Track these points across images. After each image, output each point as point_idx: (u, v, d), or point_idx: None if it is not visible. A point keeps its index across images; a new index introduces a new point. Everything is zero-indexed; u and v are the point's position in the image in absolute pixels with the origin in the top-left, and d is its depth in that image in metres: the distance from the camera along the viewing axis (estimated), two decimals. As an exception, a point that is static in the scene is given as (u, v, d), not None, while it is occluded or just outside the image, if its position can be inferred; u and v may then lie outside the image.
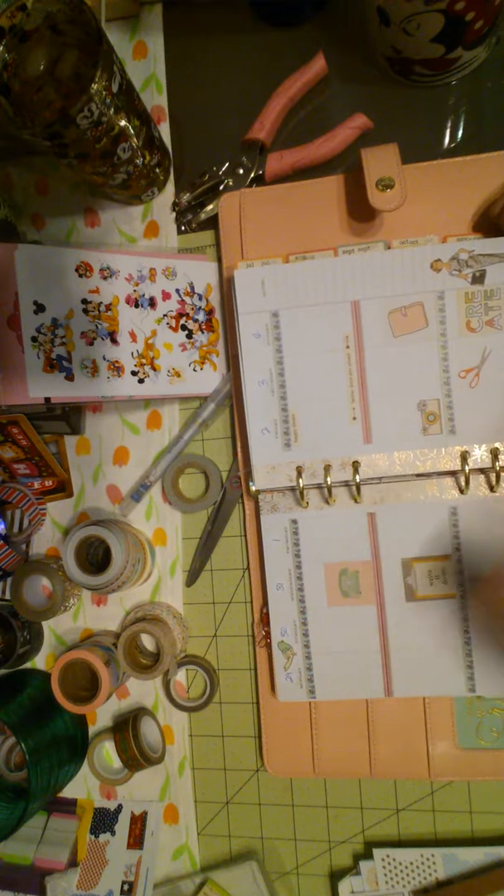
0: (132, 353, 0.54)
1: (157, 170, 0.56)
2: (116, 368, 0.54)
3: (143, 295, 0.55)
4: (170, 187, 0.59)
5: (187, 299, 0.57)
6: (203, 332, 0.57)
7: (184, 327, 0.56)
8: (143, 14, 0.60)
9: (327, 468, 0.50)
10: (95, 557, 0.57)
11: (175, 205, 0.58)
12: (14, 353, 0.51)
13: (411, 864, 0.51)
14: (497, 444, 0.48)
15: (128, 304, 0.55)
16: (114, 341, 0.54)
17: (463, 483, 0.49)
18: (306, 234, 0.54)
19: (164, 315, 0.56)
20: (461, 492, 0.49)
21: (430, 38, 0.48)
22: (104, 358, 0.53)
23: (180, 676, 0.58)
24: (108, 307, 0.54)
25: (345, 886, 0.52)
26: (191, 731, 0.58)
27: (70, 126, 0.44)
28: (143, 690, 0.59)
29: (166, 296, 0.56)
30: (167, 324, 0.56)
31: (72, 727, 0.58)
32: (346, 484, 0.51)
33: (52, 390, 0.52)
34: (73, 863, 0.58)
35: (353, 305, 0.50)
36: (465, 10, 0.45)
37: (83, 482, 0.60)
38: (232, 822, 0.57)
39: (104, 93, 0.44)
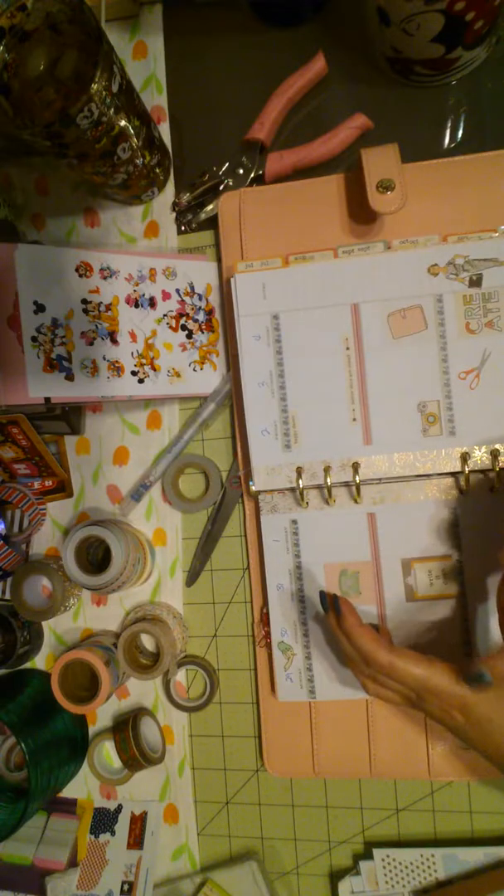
0: (132, 353, 0.54)
1: (157, 170, 0.56)
2: (116, 368, 0.54)
3: (143, 295, 0.55)
4: (170, 187, 0.59)
5: (187, 299, 0.56)
6: (203, 332, 0.57)
7: (184, 327, 0.56)
8: (143, 14, 0.60)
9: (327, 469, 0.50)
10: (95, 557, 0.57)
11: (175, 205, 0.58)
12: (14, 353, 0.51)
13: (411, 864, 0.51)
14: (497, 446, 0.48)
15: (128, 304, 0.55)
16: (114, 341, 0.54)
17: (463, 484, 0.49)
18: (306, 234, 0.54)
19: (164, 315, 0.56)
20: (461, 492, 0.49)
21: (430, 38, 0.47)
22: (104, 358, 0.53)
23: (180, 676, 0.58)
24: (108, 307, 0.54)
25: (345, 886, 0.52)
26: (191, 731, 0.58)
27: (70, 126, 0.44)
28: (143, 690, 0.59)
29: (166, 296, 0.56)
30: (167, 324, 0.56)
31: (72, 727, 0.58)
32: (346, 484, 0.51)
33: (52, 390, 0.52)
34: (73, 863, 0.58)
35: (353, 308, 0.50)
36: (465, 10, 0.45)
37: (83, 482, 0.60)
38: (232, 822, 0.57)
39: (104, 93, 0.44)
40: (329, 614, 0.46)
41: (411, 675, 0.41)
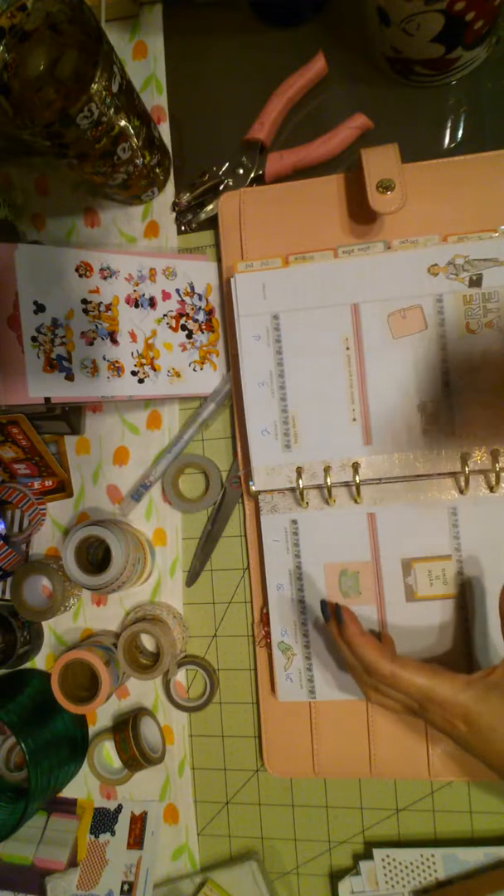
0: (132, 353, 0.54)
1: (157, 170, 0.56)
2: (116, 368, 0.54)
3: (143, 295, 0.55)
4: (170, 187, 0.59)
5: (187, 299, 0.56)
6: (203, 332, 0.57)
7: (184, 327, 0.56)
8: (143, 14, 0.60)
9: (327, 469, 0.50)
10: (95, 557, 0.57)
11: (175, 205, 0.58)
12: (14, 353, 0.51)
13: (411, 864, 0.51)
14: (497, 446, 0.48)
15: (128, 304, 0.55)
16: (114, 341, 0.54)
17: (463, 484, 0.49)
18: (306, 234, 0.54)
19: (164, 315, 0.56)
20: (461, 492, 0.49)
21: (430, 38, 0.47)
22: (104, 358, 0.53)
23: (180, 676, 0.58)
24: (108, 307, 0.54)
25: (345, 886, 0.52)
26: (191, 731, 0.58)
27: (70, 126, 0.44)
28: (143, 690, 0.59)
29: (166, 296, 0.56)
30: (167, 324, 0.56)
31: (72, 727, 0.58)
32: (346, 484, 0.51)
33: (52, 390, 0.52)
34: (73, 863, 0.58)
35: (353, 308, 0.50)
36: (465, 10, 0.45)
37: (83, 482, 0.60)
38: (232, 822, 0.57)
39: (104, 93, 0.44)
40: (330, 623, 0.46)
41: (414, 685, 0.40)
